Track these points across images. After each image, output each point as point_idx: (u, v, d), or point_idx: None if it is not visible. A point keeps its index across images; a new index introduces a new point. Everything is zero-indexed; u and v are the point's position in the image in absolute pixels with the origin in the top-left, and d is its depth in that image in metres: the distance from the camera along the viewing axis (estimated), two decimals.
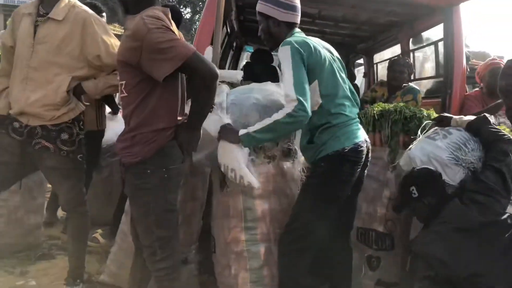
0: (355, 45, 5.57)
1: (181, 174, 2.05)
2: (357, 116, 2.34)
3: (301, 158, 2.51)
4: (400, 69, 3.87)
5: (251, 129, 2.09)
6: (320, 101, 2.18)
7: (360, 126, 2.34)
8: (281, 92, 2.45)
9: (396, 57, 4.17)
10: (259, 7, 2.31)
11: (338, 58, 2.35)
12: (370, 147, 2.34)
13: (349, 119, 2.25)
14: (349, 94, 2.30)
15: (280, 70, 2.17)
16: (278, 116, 2.04)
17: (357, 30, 4.90)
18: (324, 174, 2.20)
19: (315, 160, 2.24)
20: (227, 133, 2.15)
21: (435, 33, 4.08)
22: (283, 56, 2.12)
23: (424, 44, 4.52)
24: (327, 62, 2.21)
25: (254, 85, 2.62)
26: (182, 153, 1.98)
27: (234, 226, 2.37)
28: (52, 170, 2.38)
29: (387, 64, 4.12)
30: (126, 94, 1.92)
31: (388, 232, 2.66)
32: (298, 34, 2.28)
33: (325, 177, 2.20)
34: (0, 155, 2.27)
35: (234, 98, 2.41)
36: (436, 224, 2.11)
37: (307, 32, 2.53)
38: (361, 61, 6.39)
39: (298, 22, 2.33)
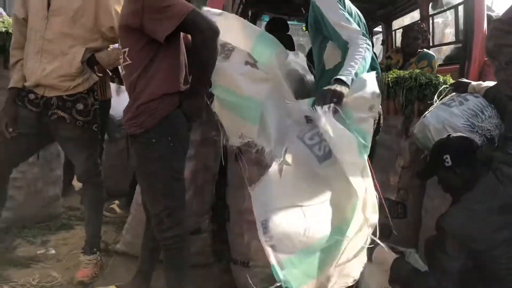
0: (374, 11, 5.39)
1: (187, 143, 2.06)
2: None
3: None
4: (414, 35, 3.76)
5: (349, 74, 1.89)
6: (339, 60, 2.12)
7: None
8: (298, 61, 2.40)
9: (410, 24, 4.03)
10: None
11: (364, 24, 2.30)
12: (382, 114, 2.22)
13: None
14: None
15: (321, 16, 2.11)
16: (362, 52, 1.96)
17: None
18: None
19: None
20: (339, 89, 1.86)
21: None
22: (327, 2, 2.08)
23: (444, 8, 4.35)
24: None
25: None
26: (188, 122, 1.98)
27: (249, 195, 2.37)
28: (68, 141, 2.42)
29: None
30: (129, 61, 1.91)
31: (400, 201, 2.64)
32: None
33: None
34: (18, 127, 2.30)
35: None
36: (471, 202, 1.99)
37: None
38: (379, 28, 6.21)
39: None
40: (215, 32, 1.84)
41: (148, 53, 1.88)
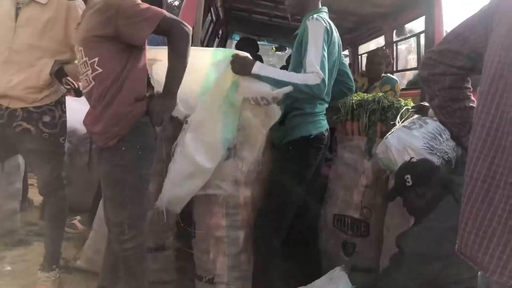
0: (341, 36, 5.55)
1: (154, 151, 2.09)
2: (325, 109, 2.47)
3: None
4: (378, 60, 3.90)
5: (264, 72, 2.15)
6: None
7: (324, 116, 2.47)
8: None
9: (374, 49, 4.19)
10: None
11: (340, 50, 2.46)
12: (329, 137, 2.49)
13: (322, 110, 2.41)
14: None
15: (305, 40, 2.21)
16: (297, 79, 2.12)
17: (343, 20, 4.89)
18: (295, 158, 2.32)
19: (282, 144, 2.36)
20: (241, 65, 2.18)
21: (419, 25, 4.11)
22: (315, 30, 2.18)
23: (407, 35, 4.55)
24: (337, 50, 2.35)
25: None
26: (152, 124, 1.99)
27: (216, 212, 2.40)
28: (33, 153, 2.36)
29: None
30: (100, 70, 1.90)
31: (363, 219, 2.70)
32: (326, 14, 2.35)
33: (295, 162, 2.33)
34: None
35: None
36: (431, 222, 2.07)
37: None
38: (346, 52, 6.40)
39: None
40: (188, 32, 1.92)
41: (121, 60, 1.90)
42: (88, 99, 2.02)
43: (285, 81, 2.12)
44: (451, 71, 1.30)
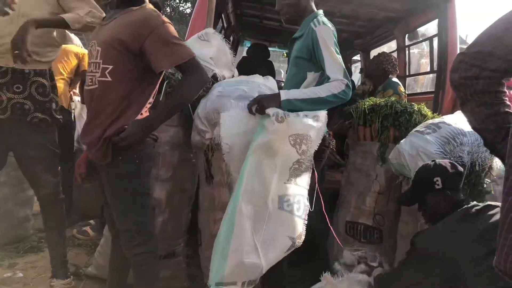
0: (352, 40, 5.54)
1: (152, 159, 2.07)
2: None
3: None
4: (377, 65, 3.89)
5: (291, 95, 2.13)
6: None
7: None
8: (268, 84, 2.44)
9: (376, 55, 4.14)
10: None
11: None
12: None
13: None
14: None
15: (316, 46, 2.19)
16: (323, 93, 2.10)
17: (354, 26, 4.87)
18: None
19: None
20: (268, 99, 2.15)
21: (431, 29, 4.07)
22: (326, 35, 2.17)
23: (420, 39, 4.50)
24: None
25: (242, 77, 2.60)
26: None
27: (219, 219, 2.34)
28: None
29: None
30: (109, 79, 1.87)
31: (376, 226, 2.65)
32: (325, 17, 2.31)
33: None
34: None
35: (221, 90, 2.39)
36: (450, 224, 2.00)
37: None
38: (357, 57, 6.37)
39: None
40: (205, 82, 1.97)
41: (133, 79, 1.89)
42: (88, 101, 1.97)
43: (313, 97, 2.10)
44: (484, 74, 1.22)
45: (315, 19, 2.24)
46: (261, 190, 1.98)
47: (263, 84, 2.42)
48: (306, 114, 2.07)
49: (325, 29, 2.18)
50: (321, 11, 2.37)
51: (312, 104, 2.11)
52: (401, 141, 2.54)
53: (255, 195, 1.98)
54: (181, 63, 1.86)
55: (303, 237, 2.00)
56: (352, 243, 2.70)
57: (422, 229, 2.17)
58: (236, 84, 2.42)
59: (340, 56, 2.17)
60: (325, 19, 2.26)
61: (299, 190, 2.04)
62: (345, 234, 2.73)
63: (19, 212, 3.09)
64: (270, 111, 2.04)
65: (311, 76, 2.26)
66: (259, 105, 2.14)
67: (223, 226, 2.00)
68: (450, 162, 2.16)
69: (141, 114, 1.94)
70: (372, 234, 2.65)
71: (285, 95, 2.12)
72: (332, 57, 2.13)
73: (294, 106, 2.11)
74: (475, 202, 2.04)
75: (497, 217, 1.96)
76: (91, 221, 3.48)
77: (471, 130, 1.39)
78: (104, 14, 2.25)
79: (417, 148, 2.37)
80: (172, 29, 1.88)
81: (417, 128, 2.54)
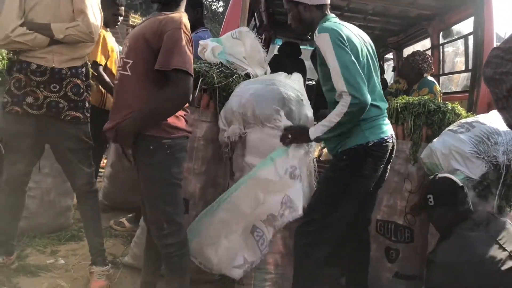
0: (385, 38, 5.49)
1: (184, 150, 2.12)
2: (385, 111, 2.28)
3: (315, 148, 2.54)
4: (411, 64, 3.84)
5: (319, 132, 2.15)
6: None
7: (388, 121, 2.28)
8: (292, 84, 2.47)
9: (411, 53, 4.09)
10: None
11: (372, 48, 2.27)
12: (395, 143, 2.29)
13: (377, 114, 2.18)
14: (380, 87, 2.25)
15: (321, 58, 2.16)
16: (337, 117, 2.05)
17: (387, 23, 4.84)
18: (346, 168, 2.16)
19: (338, 153, 2.21)
20: (301, 136, 2.24)
21: (466, 26, 3.99)
22: (323, 45, 2.07)
23: (454, 37, 4.42)
24: (360, 53, 2.13)
25: (264, 76, 2.66)
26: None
27: None
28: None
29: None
30: (129, 74, 1.98)
31: (407, 225, 2.65)
32: (334, 19, 2.23)
33: (346, 172, 2.16)
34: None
35: (237, 90, 2.46)
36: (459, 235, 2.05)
37: None
38: (390, 55, 6.30)
39: (328, 2, 2.27)
40: (186, 99, 1.96)
41: (151, 76, 1.96)
42: (117, 92, 2.08)
43: (332, 126, 2.09)
44: None
45: (317, 29, 2.14)
46: (243, 210, 2.32)
47: (283, 82, 2.44)
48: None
49: (321, 39, 2.08)
50: (330, 16, 2.26)
51: (336, 130, 2.11)
52: (434, 140, 2.53)
53: (237, 211, 2.33)
54: (165, 69, 1.89)
55: (253, 265, 2.34)
56: (383, 242, 2.71)
57: (436, 247, 2.17)
58: (252, 83, 2.48)
59: (346, 57, 2.02)
60: (324, 24, 2.13)
61: (268, 230, 2.31)
62: (376, 233, 2.73)
63: (61, 202, 3.22)
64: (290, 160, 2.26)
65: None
66: (291, 138, 2.21)
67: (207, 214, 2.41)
68: (445, 179, 2.20)
69: (176, 116, 2.03)
70: (403, 233, 2.65)
71: (313, 134, 2.16)
72: (334, 66, 2.03)
73: (324, 138, 2.20)
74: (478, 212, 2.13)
75: (507, 225, 1.99)
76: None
77: (507, 129, 1.37)
78: (91, 30, 2.35)
79: (450, 147, 2.36)
80: (186, 37, 1.92)
81: (451, 127, 2.53)
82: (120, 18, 3.52)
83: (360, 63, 2.10)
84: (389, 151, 2.21)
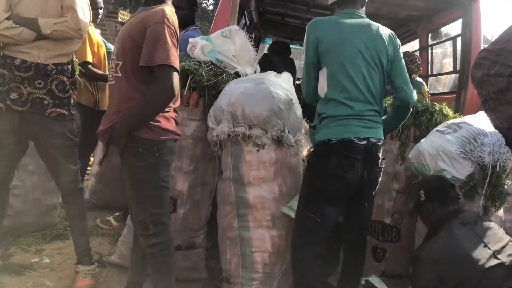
0: None
1: (173, 153, 2.11)
2: (369, 114, 2.15)
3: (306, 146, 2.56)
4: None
5: None
6: (326, 90, 2.15)
7: (370, 124, 2.14)
8: (282, 83, 2.49)
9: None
10: None
11: (368, 48, 2.18)
12: (379, 147, 2.19)
13: (348, 114, 2.10)
14: (364, 89, 2.13)
15: None
16: None
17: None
18: (313, 163, 2.25)
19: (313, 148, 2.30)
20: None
21: (455, 28, 4.03)
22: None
23: (443, 39, 4.46)
24: (346, 50, 2.11)
25: (254, 75, 2.66)
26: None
27: (228, 213, 2.43)
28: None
29: None
30: (120, 75, 1.97)
31: (394, 224, 2.67)
32: (345, 14, 2.28)
33: (313, 167, 2.23)
34: None
35: (227, 89, 2.45)
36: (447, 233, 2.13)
37: None
38: None
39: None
40: (172, 95, 1.90)
41: (139, 76, 1.94)
42: (111, 95, 2.08)
43: None
44: (508, 71, 1.19)
45: None
46: None
47: (272, 81, 2.45)
48: None
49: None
50: (344, 12, 2.31)
51: None
52: (421, 140, 2.55)
53: None
54: (149, 65, 1.86)
55: None
56: (370, 241, 2.72)
57: (422, 243, 2.27)
58: (241, 81, 2.48)
59: (307, 57, 2.17)
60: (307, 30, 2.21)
61: None
62: None
63: (46, 200, 3.18)
64: None
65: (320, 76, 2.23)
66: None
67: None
68: (437, 176, 2.33)
69: (167, 118, 2.00)
70: (390, 232, 2.67)
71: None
72: None
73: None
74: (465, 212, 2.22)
75: (492, 225, 2.12)
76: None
77: (493, 130, 1.38)
78: (80, 26, 2.33)
79: (437, 148, 2.38)
80: (169, 31, 1.89)
81: (438, 128, 2.55)
82: (101, 11, 3.48)
83: (337, 58, 2.12)
84: (362, 153, 2.10)
